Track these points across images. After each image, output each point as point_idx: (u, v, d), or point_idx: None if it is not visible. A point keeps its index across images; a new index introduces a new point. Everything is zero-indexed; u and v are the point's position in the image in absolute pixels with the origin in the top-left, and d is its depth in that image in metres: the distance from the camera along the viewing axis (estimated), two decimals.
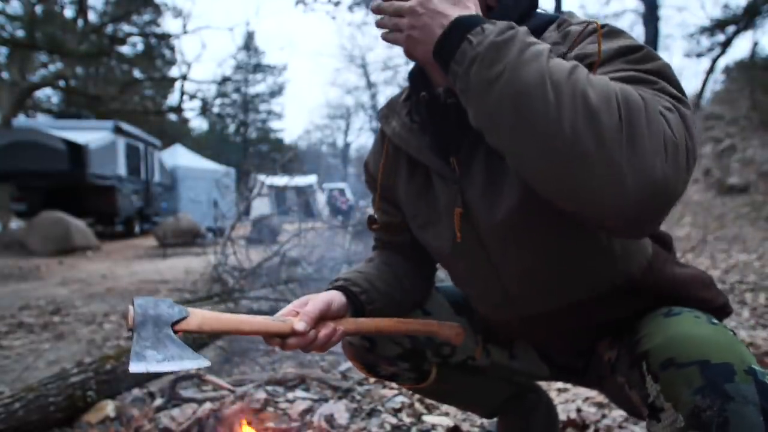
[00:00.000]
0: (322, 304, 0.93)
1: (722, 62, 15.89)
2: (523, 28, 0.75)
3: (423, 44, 0.81)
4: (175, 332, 0.79)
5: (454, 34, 0.76)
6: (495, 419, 1.66)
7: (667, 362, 0.75)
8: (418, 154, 1.02)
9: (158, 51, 24.77)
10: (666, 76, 0.76)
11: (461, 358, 1.24)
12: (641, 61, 0.77)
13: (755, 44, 15.63)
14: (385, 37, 0.87)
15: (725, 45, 14.68)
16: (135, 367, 0.72)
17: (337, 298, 0.98)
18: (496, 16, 0.83)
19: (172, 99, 26.72)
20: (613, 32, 0.83)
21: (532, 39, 0.74)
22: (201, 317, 0.82)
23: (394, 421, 1.79)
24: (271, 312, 3.59)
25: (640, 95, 0.68)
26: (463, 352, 1.22)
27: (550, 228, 0.89)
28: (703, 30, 15.24)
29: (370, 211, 1.22)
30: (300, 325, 0.87)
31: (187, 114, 28.88)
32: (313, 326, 0.90)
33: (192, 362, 0.77)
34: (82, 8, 17.95)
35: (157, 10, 23.17)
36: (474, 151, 0.94)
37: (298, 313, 0.91)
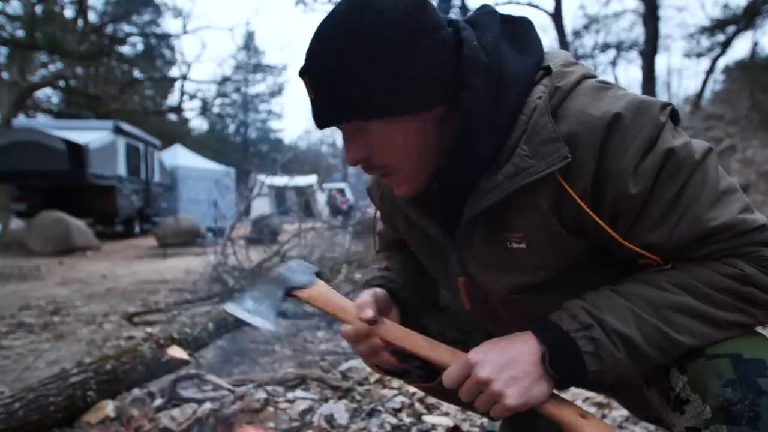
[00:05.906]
0: (370, 296, 0.99)
1: (722, 62, 15.85)
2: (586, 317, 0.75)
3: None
4: (291, 296, 0.94)
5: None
6: (496, 421, 1.66)
7: (694, 353, 0.74)
8: (416, 219, 0.97)
9: (158, 51, 24.79)
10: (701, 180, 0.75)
11: None
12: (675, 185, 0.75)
13: (755, 44, 15.59)
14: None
15: (725, 45, 14.67)
16: (226, 308, 0.92)
17: (382, 297, 1.01)
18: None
19: (172, 99, 26.75)
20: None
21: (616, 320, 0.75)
22: (312, 293, 0.94)
23: (394, 421, 1.79)
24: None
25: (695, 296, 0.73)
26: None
27: (559, 294, 0.85)
28: (703, 30, 15.23)
29: (371, 211, 1.22)
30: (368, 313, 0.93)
31: (187, 114, 28.92)
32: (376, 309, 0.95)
33: (261, 322, 0.89)
34: (82, 8, 17.98)
35: (157, 10, 23.23)
36: (472, 229, 0.89)
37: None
